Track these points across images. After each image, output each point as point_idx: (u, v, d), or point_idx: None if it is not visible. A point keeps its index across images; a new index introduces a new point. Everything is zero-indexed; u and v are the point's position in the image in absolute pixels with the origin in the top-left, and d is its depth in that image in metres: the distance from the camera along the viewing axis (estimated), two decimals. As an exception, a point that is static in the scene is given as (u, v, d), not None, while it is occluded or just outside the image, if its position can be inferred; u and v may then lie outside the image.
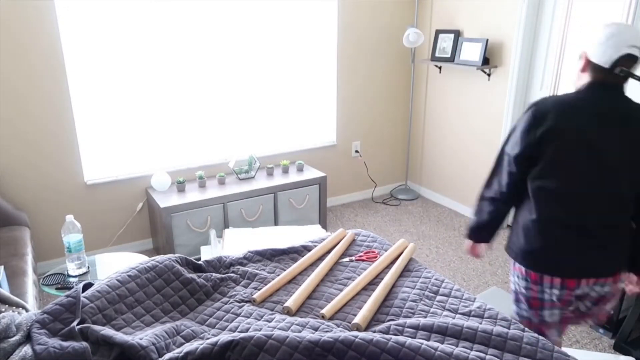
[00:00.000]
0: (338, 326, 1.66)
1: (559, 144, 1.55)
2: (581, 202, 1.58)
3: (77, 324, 1.51)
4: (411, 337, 1.56)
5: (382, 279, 1.96)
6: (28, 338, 1.49)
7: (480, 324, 1.64)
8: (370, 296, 1.80)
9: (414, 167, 4.40)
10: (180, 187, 3.24)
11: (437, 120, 4.05)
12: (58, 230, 3.09)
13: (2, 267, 2.03)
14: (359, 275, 2.00)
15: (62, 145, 2.97)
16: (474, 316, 1.72)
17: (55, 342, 1.43)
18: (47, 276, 2.37)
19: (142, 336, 1.49)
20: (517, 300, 1.82)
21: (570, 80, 3.08)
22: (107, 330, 1.48)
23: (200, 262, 1.99)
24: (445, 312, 1.76)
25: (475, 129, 3.71)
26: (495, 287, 2.86)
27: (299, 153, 3.85)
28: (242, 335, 1.45)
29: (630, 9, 2.68)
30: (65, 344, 1.43)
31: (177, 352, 1.43)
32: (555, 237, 1.62)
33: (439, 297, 1.85)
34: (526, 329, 1.63)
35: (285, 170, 3.60)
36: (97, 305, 1.61)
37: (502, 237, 3.56)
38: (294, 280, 1.96)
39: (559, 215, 1.60)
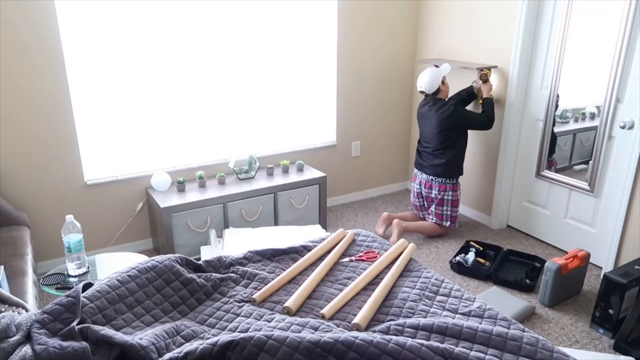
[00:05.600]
0: (338, 326, 1.66)
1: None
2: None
3: (77, 324, 1.51)
4: (411, 337, 1.56)
5: (382, 279, 1.96)
6: (28, 338, 1.49)
7: (480, 324, 1.65)
8: (370, 296, 1.81)
9: (412, 168, 4.39)
10: (180, 187, 3.24)
11: (437, 120, 4.05)
12: (58, 230, 3.09)
13: (2, 267, 2.03)
14: (359, 275, 2.00)
15: (62, 145, 2.97)
16: (473, 316, 1.72)
17: (55, 342, 1.43)
18: (47, 276, 2.37)
19: (142, 336, 1.49)
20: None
21: (568, 80, 3.08)
22: (107, 330, 1.48)
23: (200, 262, 1.99)
24: (445, 312, 1.76)
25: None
26: (495, 287, 2.87)
27: (299, 153, 3.85)
28: (242, 335, 1.45)
29: (630, 9, 2.68)
30: (65, 344, 1.43)
31: (177, 352, 1.43)
32: None
33: (438, 297, 1.85)
34: (526, 328, 1.63)
35: (285, 170, 3.60)
36: (97, 305, 1.61)
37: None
38: (294, 280, 1.96)
39: None
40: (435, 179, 3.44)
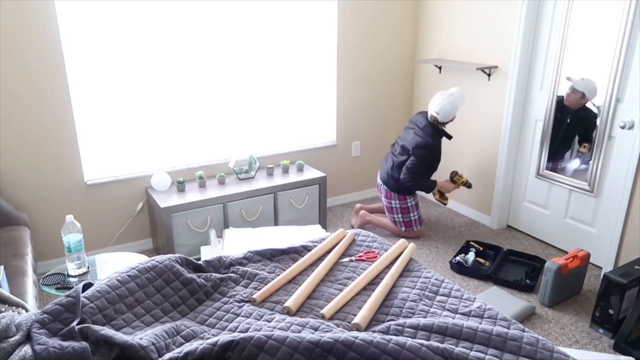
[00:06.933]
0: (338, 326, 1.66)
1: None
2: None
3: (77, 324, 1.51)
4: (411, 337, 1.56)
5: (382, 279, 1.96)
6: (28, 338, 1.49)
7: (480, 324, 1.65)
8: (370, 296, 1.80)
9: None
10: (180, 187, 3.24)
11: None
12: (58, 230, 3.09)
13: (2, 267, 2.03)
14: (359, 275, 2.00)
15: (62, 145, 2.97)
16: (473, 316, 1.72)
17: (55, 342, 1.43)
18: (47, 276, 2.37)
19: (142, 336, 1.49)
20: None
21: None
22: (107, 330, 1.48)
23: (200, 262, 1.99)
24: (445, 312, 1.76)
25: (475, 129, 3.71)
26: (495, 287, 2.87)
27: (299, 153, 3.85)
28: (242, 335, 1.45)
29: (630, 9, 2.68)
30: (65, 343, 1.43)
31: (177, 352, 1.43)
32: None
33: (438, 297, 1.85)
34: (526, 328, 1.63)
35: (285, 170, 3.60)
36: (97, 305, 1.61)
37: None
38: (294, 280, 1.96)
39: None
40: (382, 185, 3.51)
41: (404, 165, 3.33)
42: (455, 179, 3.47)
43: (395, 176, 3.41)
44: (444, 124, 3.36)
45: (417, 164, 3.30)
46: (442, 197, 3.49)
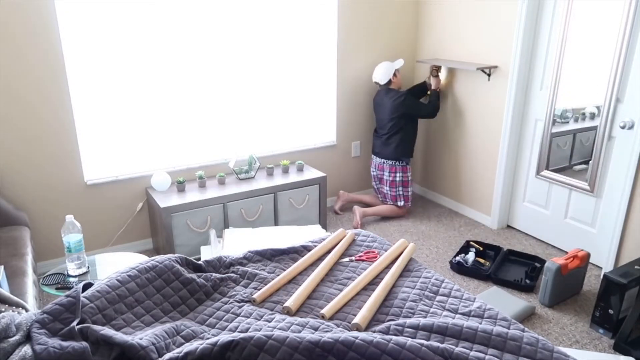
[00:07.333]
0: (338, 326, 1.66)
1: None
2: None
3: (77, 324, 1.51)
4: (411, 337, 1.56)
5: (382, 279, 1.96)
6: (28, 338, 1.49)
7: (480, 324, 1.65)
8: (370, 296, 1.80)
9: (413, 167, 4.39)
10: (180, 187, 3.24)
11: (437, 120, 4.05)
12: (58, 230, 3.09)
13: (2, 267, 2.03)
14: (359, 275, 2.00)
15: (62, 145, 2.97)
16: (473, 316, 1.72)
17: (55, 342, 1.43)
18: (47, 276, 2.37)
19: (142, 336, 1.49)
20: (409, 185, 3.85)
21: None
22: (107, 330, 1.48)
23: (200, 262, 1.99)
24: (445, 312, 1.76)
25: (475, 129, 3.71)
26: (495, 287, 2.87)
27: (299, 153, 3.85)
28: (242, 335, 1.45)
29: (630, 9, 2.68)
30: (65, 343, 1.43)
31: (177, 352, 1.43)
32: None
33: (438, 297, 1.85)
34: (526, 328, 1.63)
35: (285, 170, 3.60)
36: (97, 305, 1.61)
37: (502, 237, 3.56)
38: (294, 280, 1.96)
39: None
40: (386, 161, 3.79)
41: (423, 117, 3.74)
42: (436, 74, 3.80)
43: (392, 146, 3.74)
44: (386, 84, 3.77)
45: (417, 106, 3.68)
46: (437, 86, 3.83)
